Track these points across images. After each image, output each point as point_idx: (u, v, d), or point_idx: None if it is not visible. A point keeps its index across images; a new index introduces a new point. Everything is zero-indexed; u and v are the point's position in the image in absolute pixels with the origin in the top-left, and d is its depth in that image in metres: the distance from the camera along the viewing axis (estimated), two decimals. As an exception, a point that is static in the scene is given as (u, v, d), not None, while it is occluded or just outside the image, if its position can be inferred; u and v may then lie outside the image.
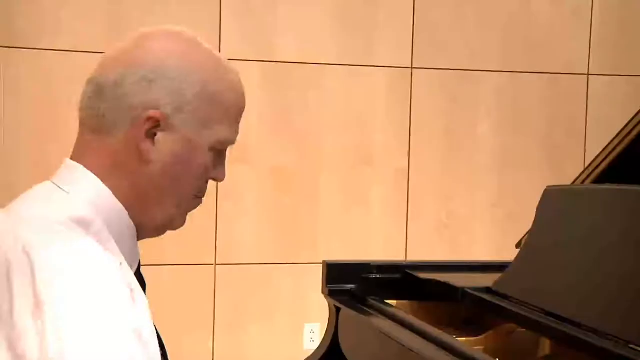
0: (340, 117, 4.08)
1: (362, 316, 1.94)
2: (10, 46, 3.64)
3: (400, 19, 4.12)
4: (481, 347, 1.82)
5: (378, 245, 4.11)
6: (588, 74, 4.34)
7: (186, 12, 3.80)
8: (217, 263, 3.95)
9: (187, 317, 3.89)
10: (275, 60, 3.98)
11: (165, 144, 1.14)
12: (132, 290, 1.05)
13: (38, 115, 3.68)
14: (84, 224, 1.08)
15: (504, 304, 1.75)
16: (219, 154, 1.20)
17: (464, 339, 1.83)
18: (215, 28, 3.87)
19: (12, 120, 3.66)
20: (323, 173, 4.07)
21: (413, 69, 4.14)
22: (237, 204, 3.96)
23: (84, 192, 1.13)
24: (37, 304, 0.97)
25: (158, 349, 1.06)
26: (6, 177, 3.49)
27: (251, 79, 3.85)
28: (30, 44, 3.66)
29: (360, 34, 4.08)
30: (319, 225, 4.07)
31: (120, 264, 1.07)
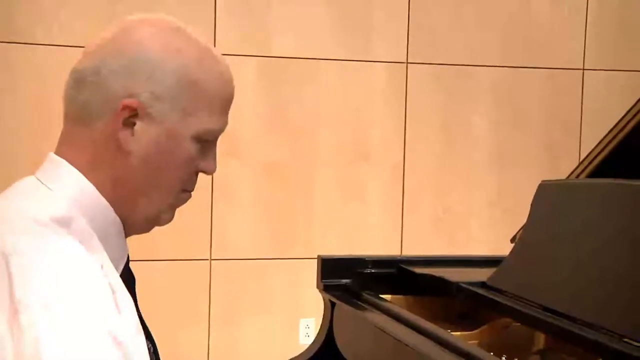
0: (336, 112, 4.08)
1: (357, 311, 1.94)
2: (9, 41, 3.63)
3: (397, 14, 4.11)
4: (476, 342, 1.82)
5: (374, 241, 4.11)
6: (583, 69, 4.34)
7: (185, 12, 3.78)
8: (212, 258, 3.95)
9: (183, 313, 3.89)
10: (270, 55, 3.98)
11: (144, 133, 1.10)
12: (114, 292, 1.03)
13: (35, 110, 3.67)
14: (65, 224, 1.05)
15: (498, 298, 1.75)
16: (205, 144, 1.16)
17: (458, 333, 1.83)
18: (210, 24, 3.86)
19: (10, 116, 3.65)
20: (318, 168, 4.07)
21: (408, 64, 4.14)
22: (232, 199, 3.96)
23: (68, 189, 1.10)
24: (13, 310, 0.96)
25: (145, 347, 1.05)
26: (2, 173, 3.48)
27: (247, 74, 3.85)
28: (29, 40, 3.65)
29: (356, 29, 4.07)
30: (314, 220, 4.07)
31: (102, 266, 1.05)
